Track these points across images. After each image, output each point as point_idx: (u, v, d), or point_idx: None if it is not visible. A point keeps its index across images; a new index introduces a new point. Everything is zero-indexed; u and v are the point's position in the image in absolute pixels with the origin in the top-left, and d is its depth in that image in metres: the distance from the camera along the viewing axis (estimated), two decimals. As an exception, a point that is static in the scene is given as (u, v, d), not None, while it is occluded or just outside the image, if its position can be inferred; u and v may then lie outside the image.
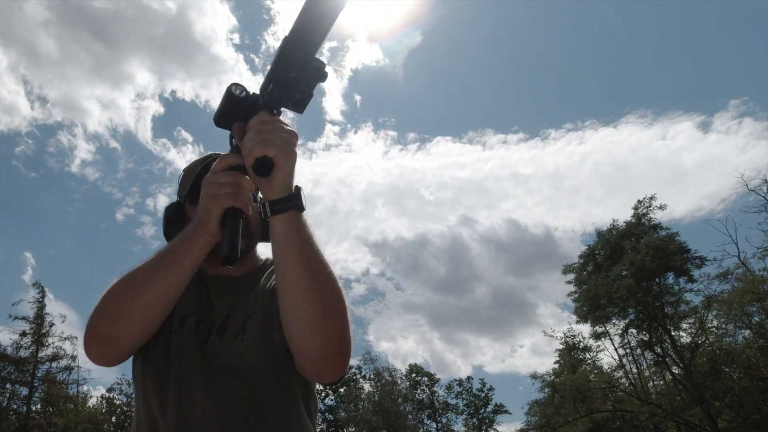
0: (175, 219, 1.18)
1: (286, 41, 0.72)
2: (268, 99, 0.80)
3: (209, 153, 1.25)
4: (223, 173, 0.88)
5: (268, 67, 0.78)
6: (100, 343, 0.93)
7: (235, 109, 0.84)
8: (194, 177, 1.18)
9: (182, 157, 67.19)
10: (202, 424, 0.95)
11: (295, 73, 0.75)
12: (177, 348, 1.03)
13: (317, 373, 0.92)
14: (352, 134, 77.73)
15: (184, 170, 1.28)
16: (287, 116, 0.86)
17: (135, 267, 0.97)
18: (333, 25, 0.72)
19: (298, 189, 0.87)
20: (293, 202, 0.85)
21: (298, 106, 0.80)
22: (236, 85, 0.83)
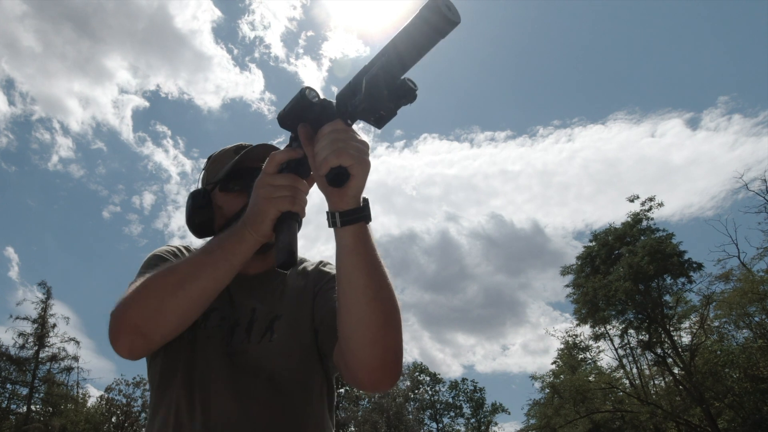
0: (201, 205, 1.17)
1: (388, 58, 0.71)
2: (353, 109, 0.78)
3: (240, 143, 1.24)
4: (281, 176, 0.88)
5: (354, 76, 0.77)
6: (133, 336, 0.92)
7: (305, 112, 0.84)
8: (231, 166, 1.16)
9: (166, 153, 66.73)
10: (227, 425, 0.95)
11: (387, 90, 0.74)
12: (203, 341, 1.04)
13: (374, 383, 0.91)
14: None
15: (210, 157, 1.28)
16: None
17: (174, 262, 0.96)
18: (434, 47, 0.70)
19: (365, 200, 0.86)
20: (363, 213, 0.84)
21: (379, 123, 0.79)
22: (310, 89, 0.83)
